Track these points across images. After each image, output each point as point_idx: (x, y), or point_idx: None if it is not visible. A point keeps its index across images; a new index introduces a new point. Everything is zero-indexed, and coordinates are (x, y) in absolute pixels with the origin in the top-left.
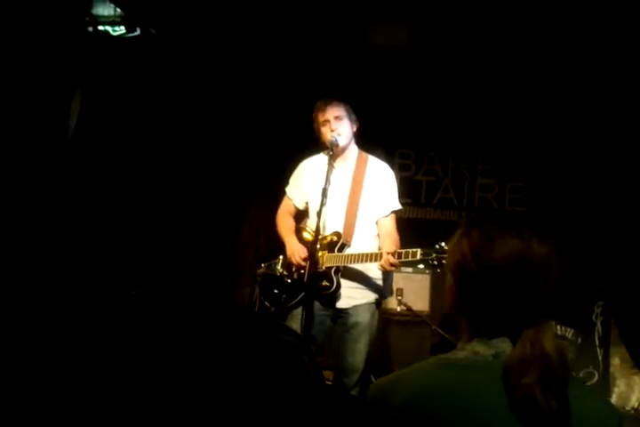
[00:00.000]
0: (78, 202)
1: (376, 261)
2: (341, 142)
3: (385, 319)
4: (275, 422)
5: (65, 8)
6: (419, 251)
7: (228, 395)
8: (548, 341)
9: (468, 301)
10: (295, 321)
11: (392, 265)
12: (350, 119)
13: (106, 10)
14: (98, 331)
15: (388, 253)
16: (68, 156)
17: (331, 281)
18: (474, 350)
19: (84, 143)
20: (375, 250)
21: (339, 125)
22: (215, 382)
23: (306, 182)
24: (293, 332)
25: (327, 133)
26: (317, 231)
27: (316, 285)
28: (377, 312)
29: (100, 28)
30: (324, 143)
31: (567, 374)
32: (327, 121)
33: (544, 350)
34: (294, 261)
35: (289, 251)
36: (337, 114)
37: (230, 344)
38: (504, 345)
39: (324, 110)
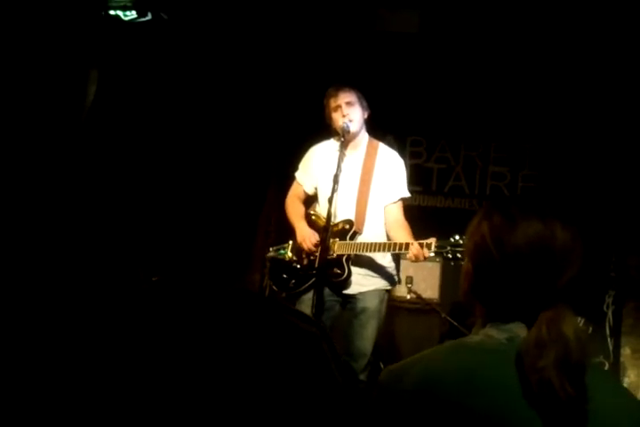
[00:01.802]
0: (93, 185)
1: (399, 251)
2: (353, 128)
3: (394, 307)
4: (293, 413)
5: None
6: (433, 243)
7: (244, 385)
8: (567, 323)
9: (484, 285)
10: (305, 306)
11: (424, 257)
12: (362, 105)
13: None
14: (117, 319)
15: (422, 246)
16: (83, 140)
17: (342, 269)
18: (487, 334)
19: (97, 127)
20: (383, 237)
21: (350, 111)
22: (232, 372)
23: (315, 168)
24: (311, 320)
25: (339, 119)
26: (329, 218)
27: (327, 272)
28: (386, 298)
29: (112, 12)
30: (335, 130)
31: (585, 358)
32: (339, 106)
33: (561, 333)
34: (305, 247)
35: (299, 237)
36: (348, 99)
37: (247, 333)
38: (519, 330)
39: (335, 96)
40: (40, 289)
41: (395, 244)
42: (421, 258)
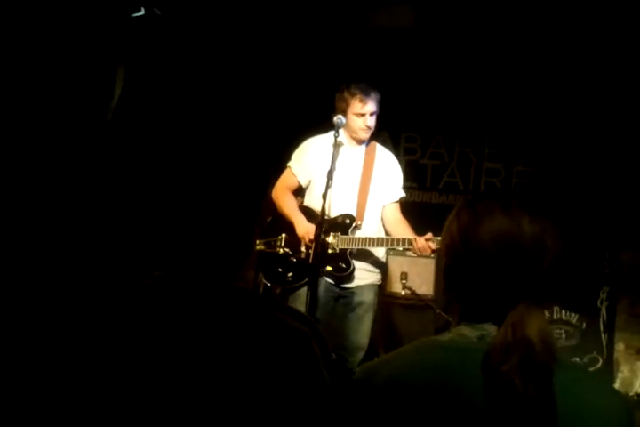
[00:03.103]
0: (97, 186)
1: (404, 245)
2: (367, 135)
3: (389, 303)
4: (278, 413)
5: None
6: (436, 239)
7: (230, 383)
8: (533, 325)
9: (456, 284)
10: (300, 301)
11: (431, 251)
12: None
13: None
14: (112, 318)
15: (427, 240)
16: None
17: (347, 263)
18: (459, 332)
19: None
20: (379, 234)
21: (373, 122)
22: (220, 370)
23: (312, 161)
24: (304, 317)
25: (356, 123)
26: (323, 213)
27: (332, 265)
28: (377, 291)
29: None
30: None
31: (551, 360)
32: (363, 115)
33: (526, 336)
34: (307, 241)
35: (300, 231)
36: (374, 110)
37: (237, 333)
38: (490, 328)
39: (363, 101)
40: (41, 285)
41: (401, 238)
42: (428, 251)
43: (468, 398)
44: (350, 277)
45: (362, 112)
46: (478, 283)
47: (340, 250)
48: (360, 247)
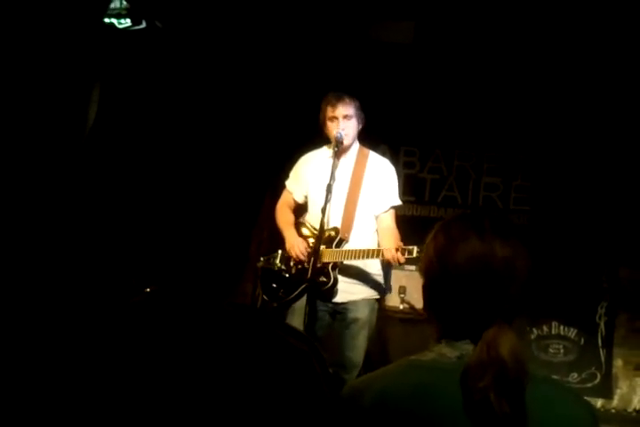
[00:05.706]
0: (88, 196)
1: (375, 257)
2: (346, 142)
3: (387, 317)
4: None
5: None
6: (415, 248)
7: (232, 402)
8: (505, 343)
9: (435, 302)
10: (297, 316)
11: (399, 261)
12: (358, 118)
13: (112, 2)
14: (104, 332)
15: (396, 250)
16: (81, 150)
17: (328, 277)
18: (440, 352)
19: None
20: (374, 246)
21: (347, 125)
22: (220, 388)
23: (306, 176)
24: (303, 336)
25: (333, 130)
26: (322, 227)
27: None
28: (376, 307)
29: (106, 20)
30: (328, 135)
31: (523, 377)
32: (335, 118)
33: (499, 354)
34: (293, 254)
35: (288, 244)
36: (346, 113)
37: (239, 350)
38: (469, 347)
39: (333, 106)
40: (35, 296)
41: (370, 250)
42: (395, 262)
43: (451, 418)
44: (334, 292)
45: (334, 115)
46: (455, 302)
47: (323, 264)
48: (338, 260)
